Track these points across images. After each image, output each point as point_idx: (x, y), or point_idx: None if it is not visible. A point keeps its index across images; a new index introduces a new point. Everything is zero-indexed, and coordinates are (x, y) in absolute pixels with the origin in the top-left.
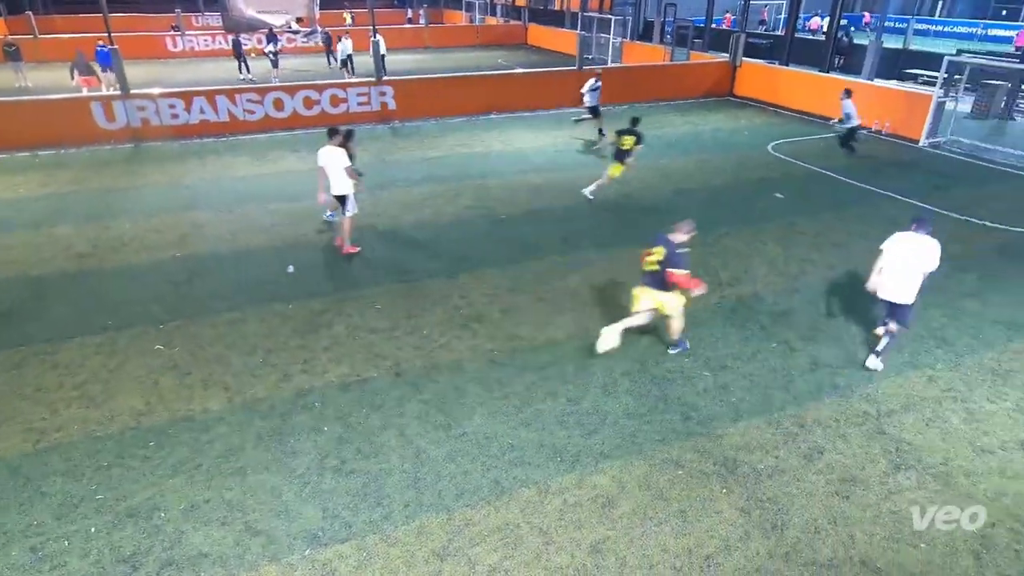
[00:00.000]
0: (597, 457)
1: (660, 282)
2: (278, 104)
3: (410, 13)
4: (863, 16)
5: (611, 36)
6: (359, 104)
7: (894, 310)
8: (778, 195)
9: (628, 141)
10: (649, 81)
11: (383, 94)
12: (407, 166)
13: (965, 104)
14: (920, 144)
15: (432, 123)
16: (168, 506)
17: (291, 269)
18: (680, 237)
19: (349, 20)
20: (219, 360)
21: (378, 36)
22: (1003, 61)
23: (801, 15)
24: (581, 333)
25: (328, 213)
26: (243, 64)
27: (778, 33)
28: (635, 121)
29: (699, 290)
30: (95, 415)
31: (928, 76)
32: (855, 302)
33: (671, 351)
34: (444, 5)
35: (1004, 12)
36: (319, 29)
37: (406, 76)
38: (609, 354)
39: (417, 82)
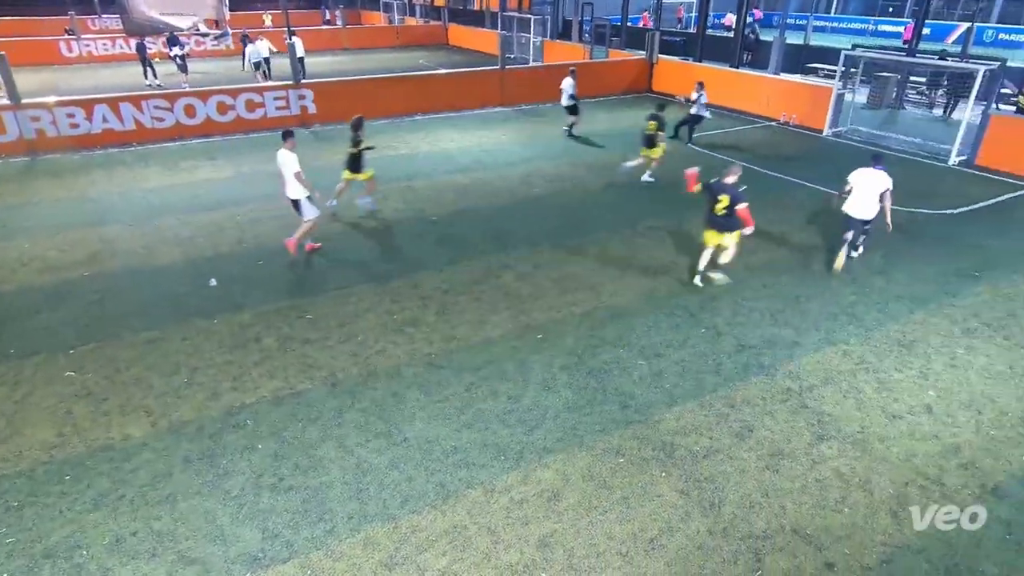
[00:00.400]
0: (540, 452)
1: (724, 224)
2: (189, 110)
3: (328, 14)
4: (754, 12)
5: (531, 35)
6: (277, 109)
7: (860, 224)
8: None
9: (652, 126)
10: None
11: (302, 97)
12: (331, 171)
13: (861, 96)
14: (824, 134)
15: None
16: (90, 543)
17: (213, 282)
18: (732, 179)
19: (268, 21)
20: (138, 383)
21: (294, 38)
22: (893, 55)
23: (712, 13)
24: (518, 330)
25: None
26: (149, 69)
27: (691, 31)
28: (661, 107)
29: (751, 228)
30: (0, 452)
31: (828, 70)
32: (775, 285)
33: (717, 277)
34: (361, 6)
35: (891, 9)
36: (230, 31)
37: (326, 78)
38: (548, 348)
39: (338, 84)
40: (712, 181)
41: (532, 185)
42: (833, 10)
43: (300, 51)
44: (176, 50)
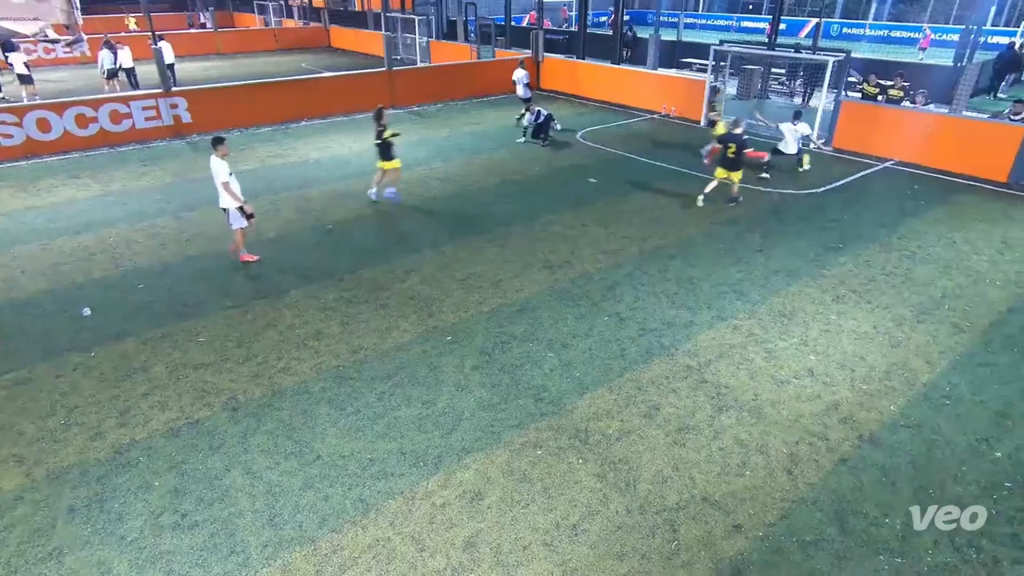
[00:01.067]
0: (459, 454)
1: (733, 164)
2: (43, 125)
3: (202, 17)
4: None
5: (417, 36)
6: (147, 119)
7: (783, 155)
8: (591, 180)
9: (732, 149)
10: (460, 79)
11: (175, 106)
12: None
13: (732, 87)
14: (702, 124)
15: (237, 134)
16: None
17: (87, 312)
18: (739, 130)
19: (133, 25)
20: (5, 430)
21: (161, 43)
22: (755, 48)
23: (592, 12)
24: (427, 333)
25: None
26: None
27: (573, 29)
28: (735, 123)
29: (767, 156)
30: None
31: (700, 64)
32: (669, 269)
33: (731, 204)
34: (233, 8)
35: (751, 7)
36: (84, 36)
37: (201, 86)
38: (458, 349)
39: (215, 91)
40: (723, 133)
41: (429, 187)
42: (700, 8)
43: (169, 57)
44: (14, 57)
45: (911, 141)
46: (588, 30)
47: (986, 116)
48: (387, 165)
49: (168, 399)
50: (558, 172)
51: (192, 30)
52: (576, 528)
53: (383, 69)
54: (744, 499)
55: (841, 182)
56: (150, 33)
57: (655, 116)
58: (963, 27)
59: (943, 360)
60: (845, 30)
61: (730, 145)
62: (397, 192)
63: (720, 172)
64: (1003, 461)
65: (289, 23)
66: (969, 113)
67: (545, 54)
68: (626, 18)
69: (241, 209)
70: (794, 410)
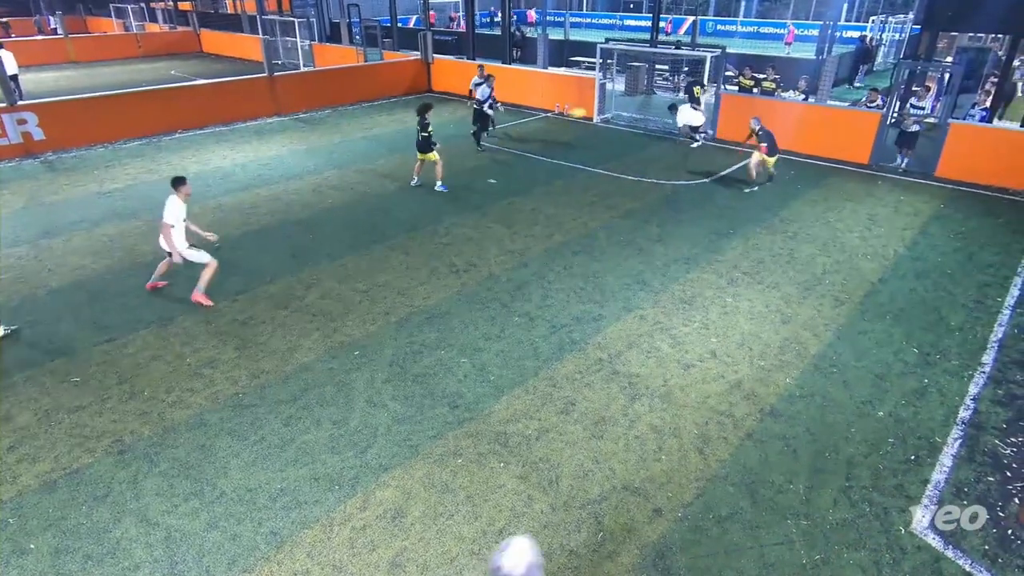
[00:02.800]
0: (376, 472)
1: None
2: None
3: (52, 22)
4: (526, 12)
5: (298, 39)
6: None
7: (693, 128)
8: (491, 180)
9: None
10: (348, 83)
11: (23, 122)
12: (80, 205)
13: (620, 84)
14: (595, 121)
15: (100, 151)
16: None
17: None
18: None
19: None
20: None
21: (2, 51)
22: (638, 46)
23: (479, 12)
24: (333, 350)
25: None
26: None
27: (461, 30)
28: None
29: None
30: None
31: (588, 62)
32: (574, 265)
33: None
34: (86, 12)
35: (632, 5)
36: None
37: (53, 98)
38: (368, 363)
39: (70, 104)
40: (761, 130)
41: (324, 196)
42: (585, 7)
43: (12, 67)
44: None
45: (785, 130)
46: (476, 30)
47: (847, 104)
48: (428, 156)
49: (39, 450)
50: (459, 174)
51: (40, 37)
52: (503, 533)
53: (263, 75)
54: (662, 483)
55: (726, 171)
56: None
57: (549, 115)
58: (821, 23)
59: (828, 331)
60: (720, 27)
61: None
62: (444, 183)
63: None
64: (885, 419)
65: (153, 27)
66: (832, 102)
67: (434, 55)
68: (513, 18)
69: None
70: (701, 392)
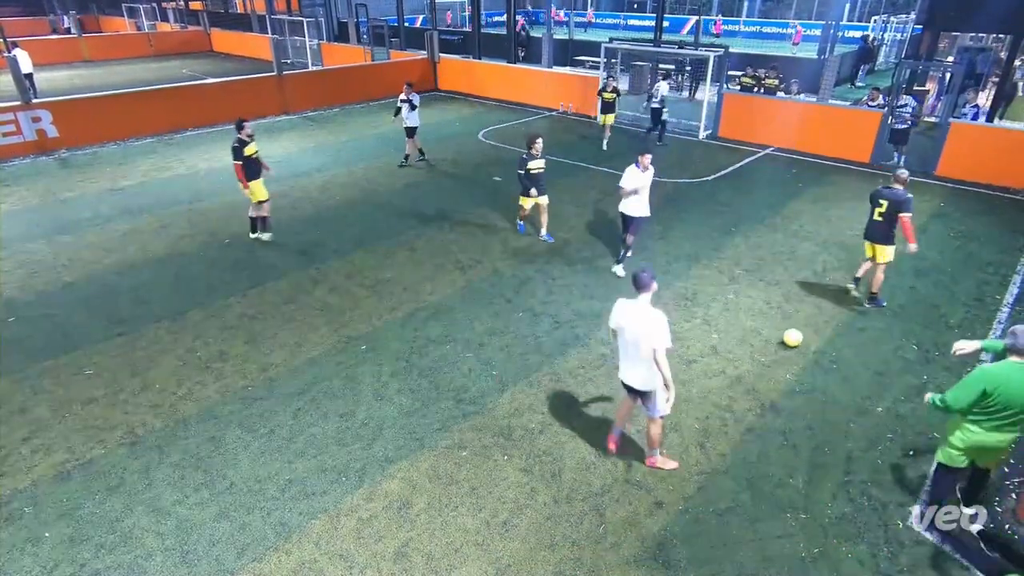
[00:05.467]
0: (383, 464)
1: (883, 235)
2: None
3: (66, 22)
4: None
5: (307, 39)
6: (4, 135)
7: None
8: (496, 178)
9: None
10: (355, 82)
11: (37, 120)
12: (92, 202)
13: (625, 83)
14: (598, 120)
15: (113, 148)
16: None
17: None
18: (900, 185)
19: None
20: None
21: (16, 50)
22: (642, 45)
23: (484, 12)
24: (341, 344)
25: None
26: None
27: (467, 29)
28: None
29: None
30: None
31: (593, 61)
32: (578, 261)
33: (870, 304)
34: (99, 12)
35: (636, 5)
36: None
37: (67, 96)
38: (374, 357)
39: (84, 102)
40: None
41: (331, 194)
42: (589, 7)
43: (27, 66)
44: None
45: (788, 129)
46: (482, 30)
47: (848, 103)
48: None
49: (54, 441)
50: (464, 171)
51: (55, 36)
52: (506, 524)
53: (272, 74)
54: (663, 476)
55: (728, 169)
56: (1, 40)
57: (553, 113)
58: (823, 23)
59: (828, 328)
60: (724, 27)
61: (881, 203)
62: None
63: (868, 246)
64: (883, 415)
65: (164, 27)
66: (834, 101)
67: (441, 55)
68: (519, 18)
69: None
70: (702, 387)
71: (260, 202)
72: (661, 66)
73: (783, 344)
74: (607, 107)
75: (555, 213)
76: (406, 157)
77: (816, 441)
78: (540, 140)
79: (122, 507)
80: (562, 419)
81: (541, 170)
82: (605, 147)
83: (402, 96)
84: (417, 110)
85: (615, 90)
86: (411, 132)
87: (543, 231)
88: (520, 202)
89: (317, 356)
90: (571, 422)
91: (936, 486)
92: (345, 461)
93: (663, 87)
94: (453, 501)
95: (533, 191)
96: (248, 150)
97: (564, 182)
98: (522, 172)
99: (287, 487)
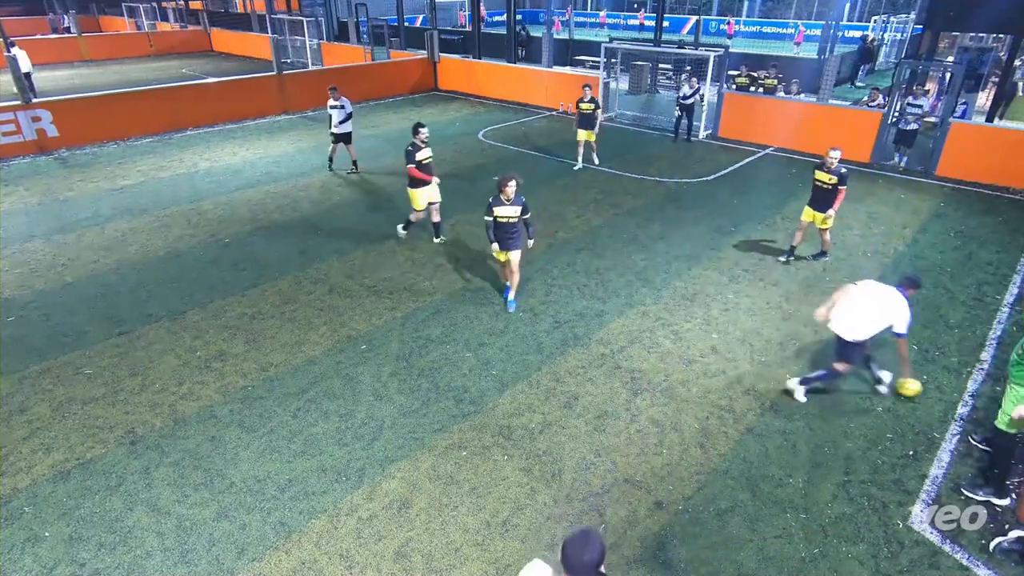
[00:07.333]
0: (382, 464)
1: (826, 202)
2: None
3: (65, 21)
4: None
5: (306, 38)
6: (3, 135)
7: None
8: (495, 178)
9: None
10: (356, 81)
11: (37, 119)
12: (92, 202)
13: (624, 83)
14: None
15: (113, 147)
16: None
17: None
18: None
19: None
20: None
21: (15, 49)
22: (642, 45)
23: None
24: (340, 344)
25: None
26: None
27: (467, 29)
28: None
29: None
30: None
31: (593, 61)
32: (576, 262)
33: (819, 258)
34: (99, 11)
35: (635, 5)
36: None
37: (67, 96)
38: (374, 357)
39: (84, 102)
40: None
41: (331, 193)
42: (589, 7)
43: (26, 65)
44: None
45: (787, 129)
46: (482, 30)
47: (848, 103)
48: (590, 135)
49: (53, 440)
50: (464, 171)
51: (54, 35)
52: (506, 524)
53: (272, 73)
54: (663, 476)
55: (728, 169)
56: (1, 40)
57: (553, 113)
58: (823, 23)
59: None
60: (722, 26)
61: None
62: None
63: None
64: (884, 415)
65: (164, 26)
66: (834, 101)
67: (441, 54)
68: (518, 18)
69: None
70: (702, 387)
71: (417, 210)
72: (685, 67)
73: (899, 394)
74: (585, 121)
75: (555, 213)
76: (354, 163)
77: (816, 441)
78: (514, 183)
79: (122, 506)
80: (562, 419)
81: (513, 219)
82: (578, 167)
83: (331, 102)
84: (352, 119)
85: (593, 100)
86: (343, 138)
87: (511, 295)
88: (495, 254)
89: (317, 356)
90: (570, 422)
91: (1002, 456)
92: (345, 461)
93: (686, 87)
94: (453, 501)
95: (496, 246)
96: (420, 155)
97: (564, 182)
98: (490, 219)
99: (287, 487)
